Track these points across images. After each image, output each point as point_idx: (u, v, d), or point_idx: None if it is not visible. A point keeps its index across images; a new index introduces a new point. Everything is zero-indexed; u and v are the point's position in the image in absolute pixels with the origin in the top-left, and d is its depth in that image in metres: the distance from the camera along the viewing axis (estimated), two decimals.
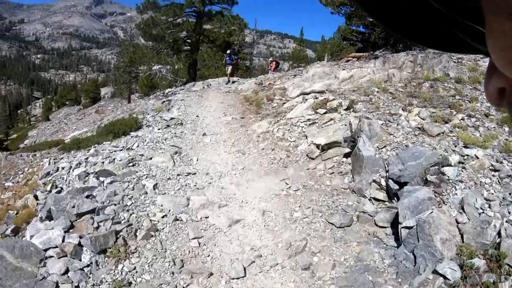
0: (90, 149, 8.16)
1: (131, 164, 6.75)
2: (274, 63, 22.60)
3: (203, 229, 5.12)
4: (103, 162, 6.92)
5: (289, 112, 9.37)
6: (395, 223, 5.03)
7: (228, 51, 16.71)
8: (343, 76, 11.18)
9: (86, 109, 49.91)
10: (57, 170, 6.85)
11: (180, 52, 21.73)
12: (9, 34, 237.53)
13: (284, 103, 10.39)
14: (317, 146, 7.31)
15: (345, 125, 7.52)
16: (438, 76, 10.11)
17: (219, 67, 26.42)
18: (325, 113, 8.49)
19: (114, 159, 7.00)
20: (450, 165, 5.86)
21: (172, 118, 9.77)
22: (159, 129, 9.22)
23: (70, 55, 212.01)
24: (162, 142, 8.13)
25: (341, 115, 8.24)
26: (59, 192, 5.71)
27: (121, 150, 7.62)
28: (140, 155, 7.22)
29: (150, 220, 5.00)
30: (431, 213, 4.60)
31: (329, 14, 17.54)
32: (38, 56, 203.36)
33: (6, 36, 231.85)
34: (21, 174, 8.16)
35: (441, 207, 4.97)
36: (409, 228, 4.60)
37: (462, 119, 7.56)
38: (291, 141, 8.01)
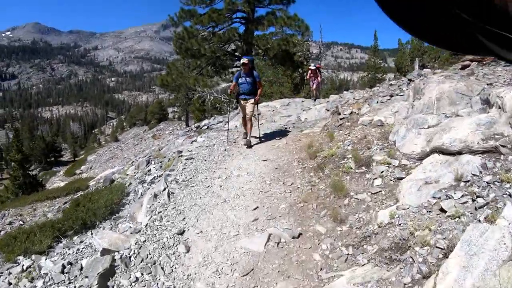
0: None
1: None
2: (316, 70, 14.32)
3: None
4: None
5: (443, 279, 2.71)
6: None
7: (243, 60, 7.40)
8: None
9: (145, 132, 48.83)
10: None
11: (224, 69, 17.14)
12: (84, 60, 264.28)
13: (400, 178, 4.54)
14: None
15: None
16: None
17: (283, 84, 21.16)
18: None
19: None
20: None
21: (100, 256, 4.01)
22: None
23: (142, 77, 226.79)
24: None
25: None
26: None
27: None
28: None
29: None
30: None
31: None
32: (112, 79, 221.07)
33: (82, 62, 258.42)
34: None
35: None
36: None
37: None
38: None
